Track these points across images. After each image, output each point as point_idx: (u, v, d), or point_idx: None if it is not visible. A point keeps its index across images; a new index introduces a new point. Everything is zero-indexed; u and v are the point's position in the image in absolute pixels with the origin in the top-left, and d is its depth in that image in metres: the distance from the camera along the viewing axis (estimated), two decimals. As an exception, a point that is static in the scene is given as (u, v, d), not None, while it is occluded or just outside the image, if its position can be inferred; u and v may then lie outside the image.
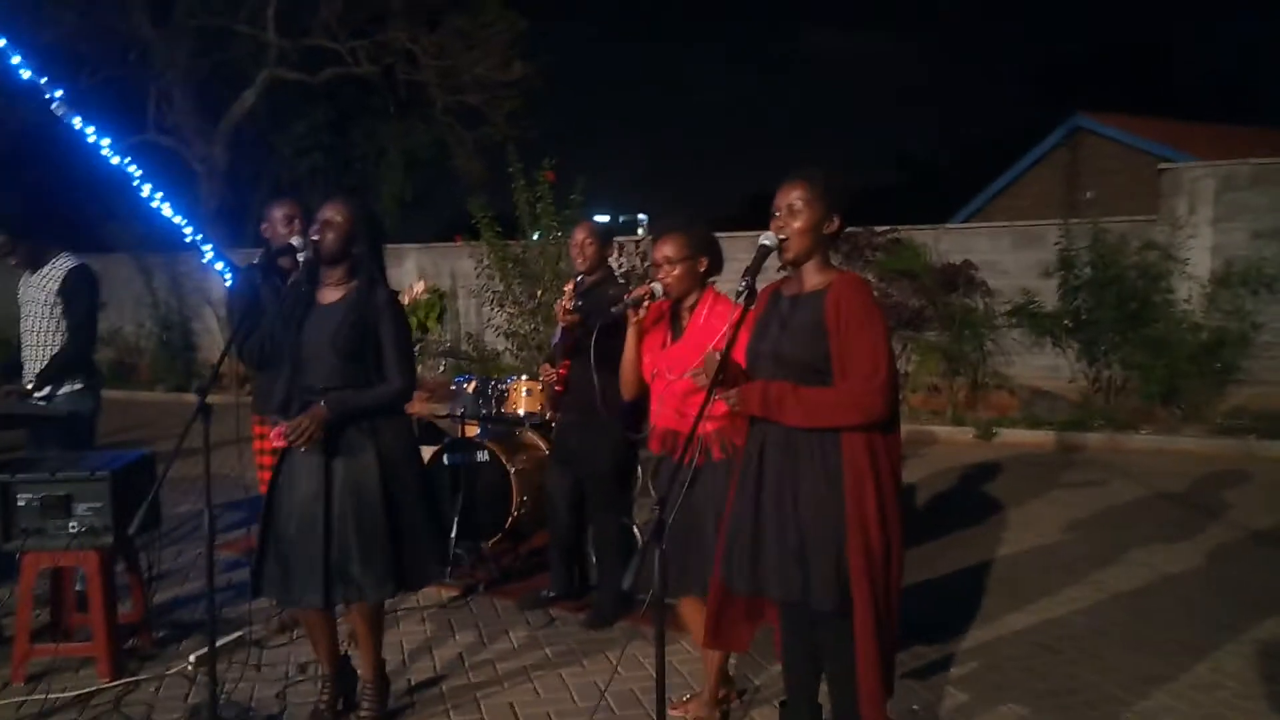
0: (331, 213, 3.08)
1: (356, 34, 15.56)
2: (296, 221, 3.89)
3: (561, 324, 4.00)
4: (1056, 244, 9.23)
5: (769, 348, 2.53)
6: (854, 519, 2.40)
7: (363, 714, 3.24)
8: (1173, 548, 5.33)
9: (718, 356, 2.68)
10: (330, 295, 3.13)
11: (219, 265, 6.38)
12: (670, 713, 3.26)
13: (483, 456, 5.27)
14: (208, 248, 6.45)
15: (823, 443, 2.44)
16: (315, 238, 3.05)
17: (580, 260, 4.25)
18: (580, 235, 4.32)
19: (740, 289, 2.40)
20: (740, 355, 2.63)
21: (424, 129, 17.36)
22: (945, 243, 10.17)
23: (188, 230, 6.34)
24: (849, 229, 10.60)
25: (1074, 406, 9.14)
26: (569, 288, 4.00)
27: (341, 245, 3.07)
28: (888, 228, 10.19)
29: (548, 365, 4.26)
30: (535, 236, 11.23)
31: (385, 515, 3.07)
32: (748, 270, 2.41)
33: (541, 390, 5.90)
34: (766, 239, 2.48)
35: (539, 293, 11.39)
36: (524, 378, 5.61)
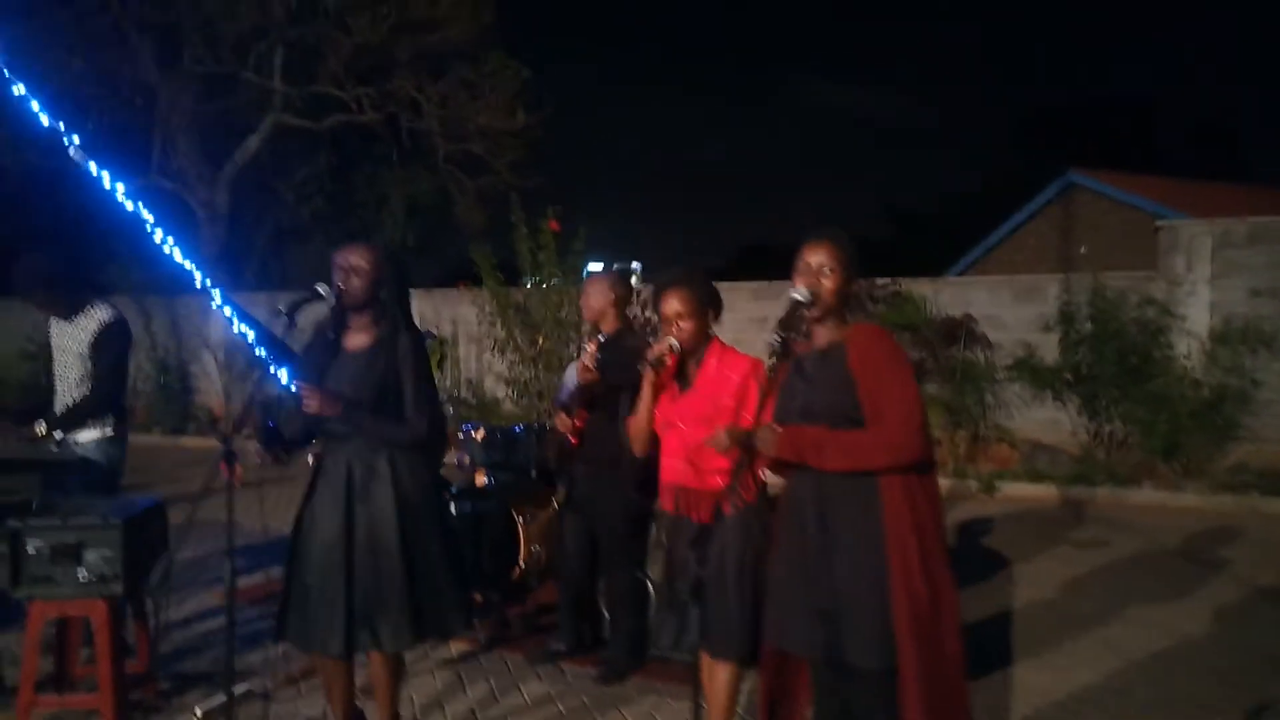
0: (355, 258, 3.10)
1: (362, 81, 15.78)
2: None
3: (580, 381, 3.97)
4: (1058, 298, 9.30)
5: (798, 405, 2.54)
6: (897, 567, 2.39)
7: (376, 770, 3.18)
8: (1182, 605, 5.30)
9: (750, 433, 2.73)
10: (356, 341, 3.13)
11: (228, 310, 6.39)
12: None
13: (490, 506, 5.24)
14: (217, 292, 6.46)
15: (861, 492, 2.45)
16: (340, 284, 3.06)
17: (588, 314, 4.25)
18: (586, 288, 4.31)
19: (773, 344, 2.41)
20: (767, 414, 2.64)
21: (426, 176, 17.53)
22: (945, 295, 10.25)
23: (198, 275, 6.36)
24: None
25: (1075, 460, 9.14)
26: (592, 346, 3.97)
27: (366, 291, 3.08)
28: (888, 280, 10.28)
29: (563, 415, 4.25)
30: (544, 283, 11.29)
31: (402, 563, 3.04)
32: (781, 324, 2.43)
33: (551, 439, 5.89)
34: (799, 294, 2.51)
35: (540, 340, 11.43)
36: (536, 424, 5.61)
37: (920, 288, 10.31)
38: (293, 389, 3.15)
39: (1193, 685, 4.12)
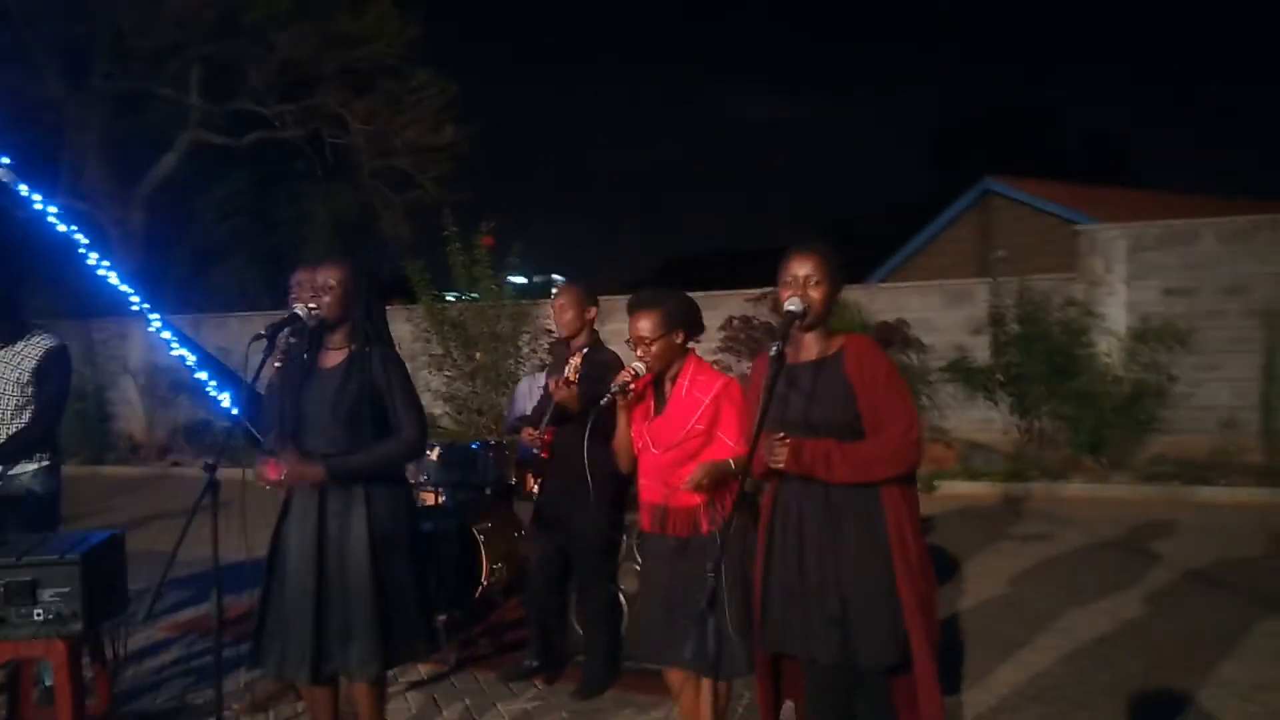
0: (326, 276, 3.04)
1: (284, 98, 15.46)
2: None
3: (558, 399, 3.93)
4: (986, 302, 9.63)
5: (797, 416, 2.58)
6: (901, 569, 2.47)
7: (364, 798, 3.11)
8: (1125, 592, 5.52)
9: (726, 465, 2.85)
10: (331, 360, 3.08)
11: (166, 334, 6.17)
12: None
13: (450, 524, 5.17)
14: (155, 316, 6.23)
15: (864, 499, 2.52)
16: (312, 304, 3.01)
17: (561, 327, 4.23)
18: (559, 301, 4.22)
19: (772, 354, 2.45)
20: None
21: (350, 192, 17.26)
22: (878, 301, 10.51)
23: (135, 298, 6.13)
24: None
25: (1008, 458, 9.45)
26: (576, 361, 3.92)
27: (339, 308, 3.03)
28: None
29: (530, 430, 4.22)
30: (480, 297, 11.21)
31: (372, 590, 2.99)
32: (778, 336, 2.47)
33: (507, 454, 5.85)
34: (793, 305, 2.55)
35: (477, 355, 11.33)
36: (490, 442, 5.56)
37: (854, 294, 10.54)
38: (234, 414, 3.07)
39: (1146, 667, 4.30)
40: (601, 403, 3.10)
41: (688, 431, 3.05)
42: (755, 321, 10.49)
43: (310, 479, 2.92)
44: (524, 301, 11.82)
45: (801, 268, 2.59)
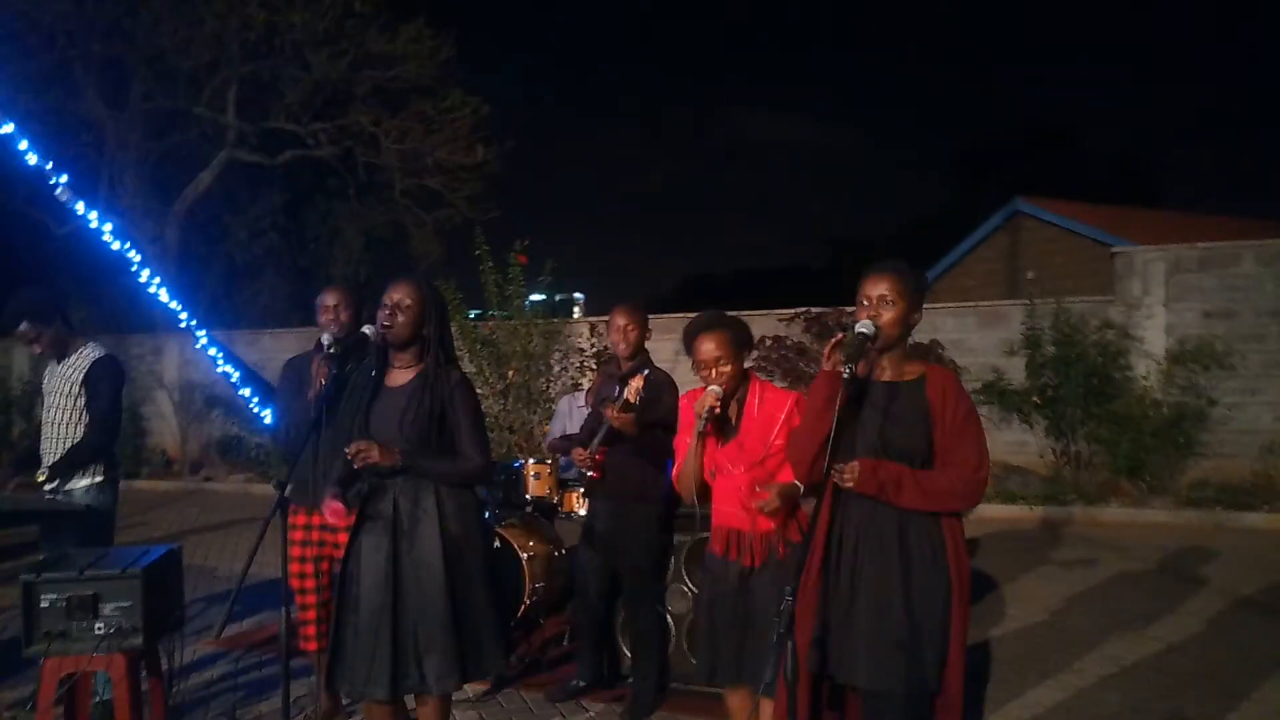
0: (400, 295, 3.06)
1: (318, 117, 15.65)
2: (344, 310, 3.86)
3: (615, 423, 3.92)
4: (1022, 323, 9.56)
5: (869, 438, 2.57)
6: (957, 597, 2.47)
7: (422, 818, 3.11)
8: (1173, 619, 5.45)
9: (794, 487, 2.83)
10: (399, 378, 3.09)
11: (213, 351, 6.24)
12: None
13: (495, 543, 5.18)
14: (202, 333, 6.31)
15: (930, 525, 2.51)
16: (386, 323, 3.03)
17: (624, 346, 4.22)
18: (622, 320, 4.18)
19: (845, 377, 2.45)
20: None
21: (381, 210, 17.41)
22: (911, 322, 10.44)
23: (183, 314, 6.21)
24: (818, 310, 10.77)
25: (1044, 481, 9.36)
26: (637, 383, 3.90)
27: (411, 328, 3.05)
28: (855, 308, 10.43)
29: (581, 450, 4.22)
30: (513, 316, 11.26)
31: (448, 604, 2.99)
32: (849, 357, 2.46)
33: (550, 474, 5.86)
34: (864, 327, 2.54)
35: (510, 373, 11.36)
36: (531, 461, 5.57)
37: (887, 315, 10.48)
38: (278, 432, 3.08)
39: (1202, 696, 4.23)
40: (697, 430, 3.04)
41: (768, 448, 3.05)
42: (788, 341, 10.48)
43: (387, 461, 2.93)
44: (556, 320, 11.85)
45: (875, 288, 2.58)
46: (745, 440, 3.08)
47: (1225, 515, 8.33)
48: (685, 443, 3.13)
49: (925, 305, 2.71)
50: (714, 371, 3.06)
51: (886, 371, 2.65)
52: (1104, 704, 4.20)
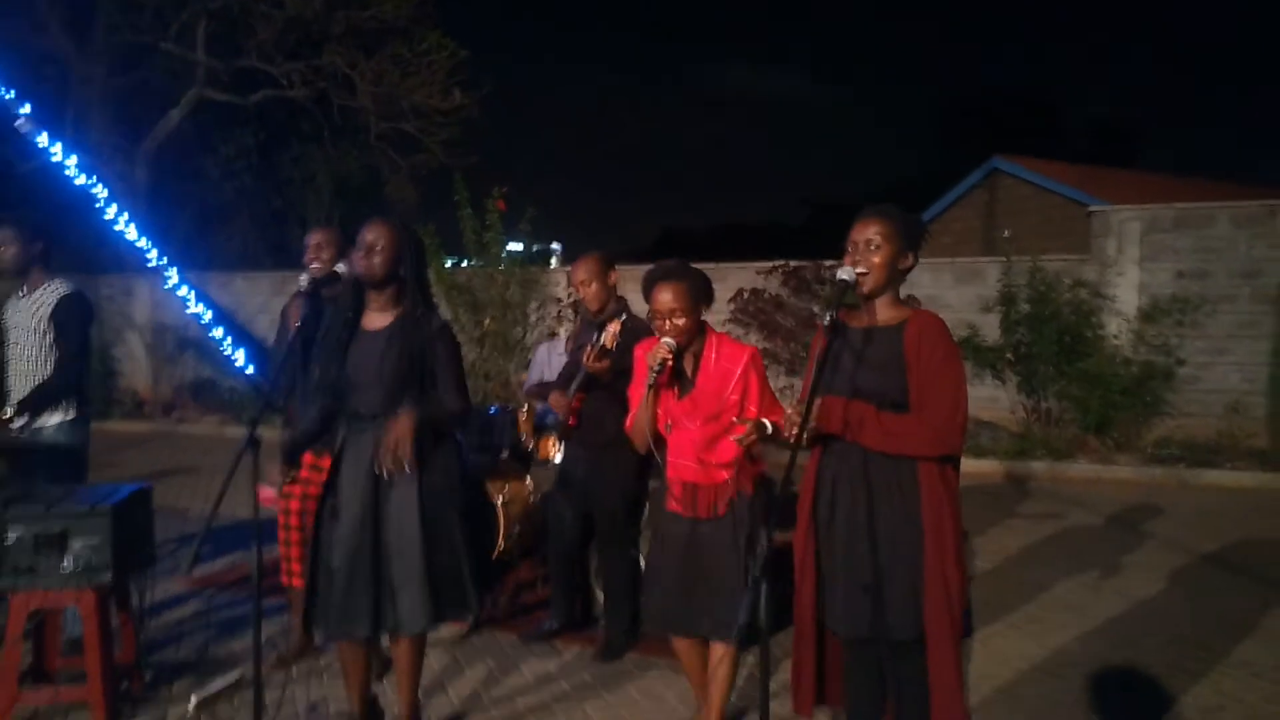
0: (375, 235, 3.01)
1: (291, 56, 15.28)
2: (328, 249, 3.80)
3: (591, 369, 3.90)
4: (998, 281, 9.60)
5: (844, 381, 2.56)
6: (933, 549, 2.46)
7: (396, 754, 3.14)
8: (1136, 573, 5.56)
9: (766, 425, 2.82)
10: (376, 320, 3.06)
11: (183, 290, 6.12)
12: None
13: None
14: (172, 272, 6.18)
15: (900, 474, 2.49)
16: (362, 263, 2.98)
17: (588, 299, 4.15)
18: (580, 275, 4.13)
19: (825, 324, 2.44)
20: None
21: (356, 154, 17.10)
22: (888, 278, 10.45)
23: (153, 253, 6.08)
24: (796, 264, 10.76)
25: (1014, 437, 9.47)
26: (614, 327, 3.86)
27: (389, 269, 3.01)
28: (834, 262, 10.44)
29: (558, 395, 4.22)
30: (491, 263, 11.16)
31: (422, 546, 2.99)
32: (829, 304, 2.46)
33: (525, 421, 5.85)
34: (845, 273, 2.53)
35: (486, 322, 11.30)
36: (510, 407, 5.56)
37: (864, 270, 10.49)
38: (250, 372, 3.07)
39: (1161, 648, 4.33)
40: (649, 384, 3.01)
41: (724, 403, 3.03)
42: (766, 295, 10.47)
43: (410, 437, 2.92)
44: (534, 268, 11.76)
45: (862, 232, 2.54)
46: (700, 394, 3.06)
47: (1189, 473, 8.49)
48: (640, 394, 3.09)
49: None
50: (668, 323, 3.00)
51: (869, 317, 2.62)
52: (1064, 652, 4.29)
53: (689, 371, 3.10)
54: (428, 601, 3.00)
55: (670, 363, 2.99)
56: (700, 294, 3.06)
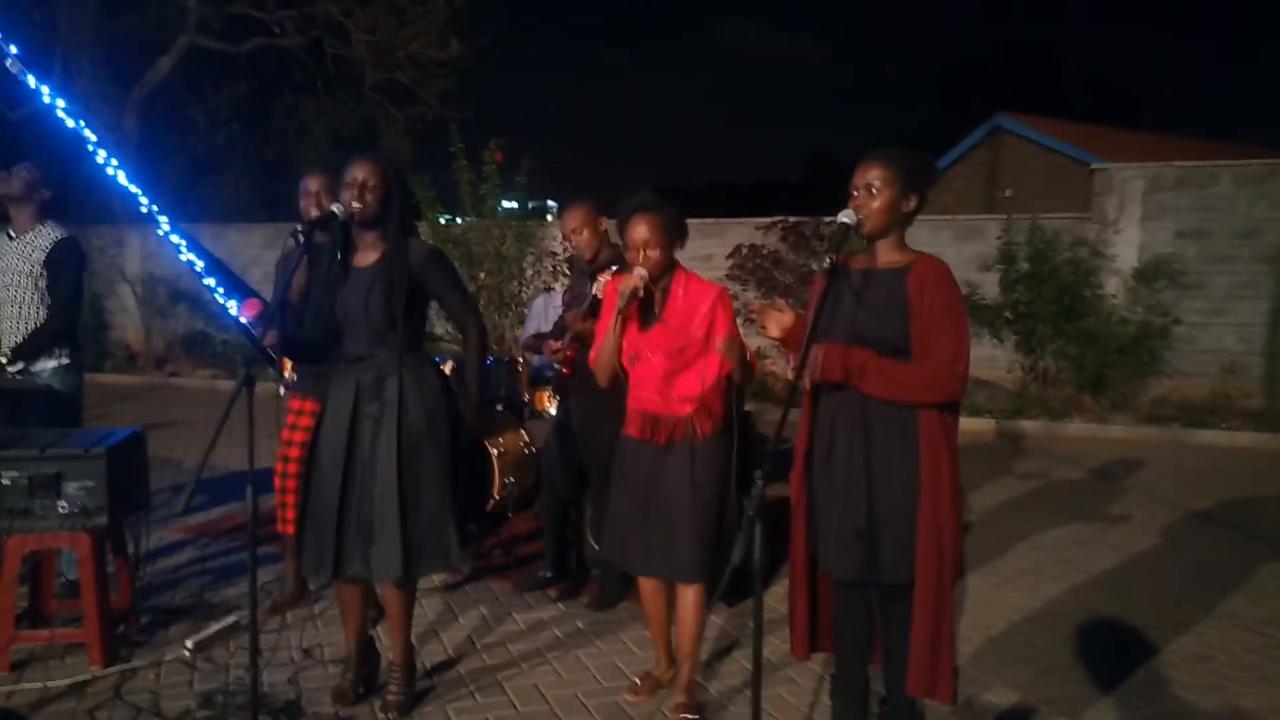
0: (364, 173, 2.97)
1: (284, 3, 15.01)
2: (325, 196, 3.75)
3: (575, 330, 3.88)
4: (998, 239, 9.55)
5: (844, 325, 2.53)
6: (928, 494, 2.45)
7: (390, 697, 3.14)
8: (1127, 528, 5.60)
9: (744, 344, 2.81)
10: (365, 259, 3.03)
11: (175, 239, 6.06)
12: (628, 697, 3.28)
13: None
14: (164, 218, 6.12)
15: (901, 420, 2.47)
16: (356, 203, 2.94)
17: (581, 248, 4.11)
18: (570, 224, 4.05)
19: (824, 266, 2.41)
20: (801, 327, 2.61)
21: (351, 105, 16.89)
22: (888, 234, 10.39)
23: (144, 201, 6.01)
24: (795, 219, 10.70)
25: (1011, 395, 9.49)
26: (607, 277, 3.80)
27: (381, 206, 2.98)
28: (833, 218, 10.36)
29: (553, 343, 4.19)
30: (489, 216, 11.05)
31: (398, 491, 2.97)
32: (830, 247, 2.42)
33: (522, 371, 5.83)
34: (845, 216, 2.49)
35: (481, 274, 11.24)
36: (506, 360, 5.54)
37: (864, 226, 10.41)
38: (243, 321, 3.06)
39: (1152, 600, 4.36)
40: (618, 309, 3.01)
41: (689, 338, 3.04)
42: (764, 250, 10.41)
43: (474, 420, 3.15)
44: (530, 222, 11.66)
45: (864, 175, 2.51)
46: (666, 328, 3.07)
47: (1183, 433, 8.51)
48: (607, 325, 3.10)
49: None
50: (641, 254, 3.01)
51: (871, 259, 2.58)
52: (1055, 603, 4.32)
53: (657, 307, 3.11)
54: (397, 554, 2.96)
55: (641, 293, 3.00)
56: (674, 229, 3.08)
